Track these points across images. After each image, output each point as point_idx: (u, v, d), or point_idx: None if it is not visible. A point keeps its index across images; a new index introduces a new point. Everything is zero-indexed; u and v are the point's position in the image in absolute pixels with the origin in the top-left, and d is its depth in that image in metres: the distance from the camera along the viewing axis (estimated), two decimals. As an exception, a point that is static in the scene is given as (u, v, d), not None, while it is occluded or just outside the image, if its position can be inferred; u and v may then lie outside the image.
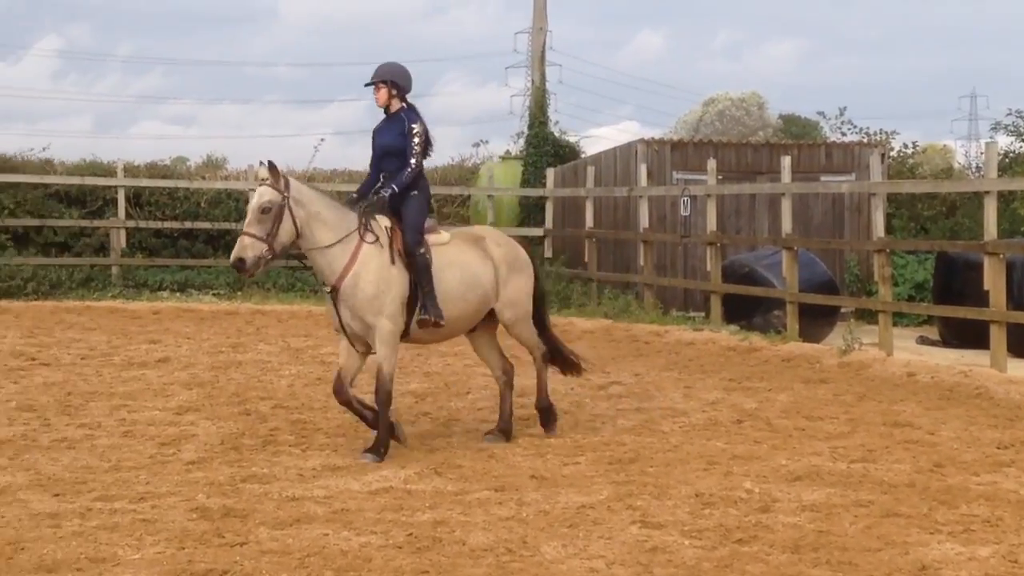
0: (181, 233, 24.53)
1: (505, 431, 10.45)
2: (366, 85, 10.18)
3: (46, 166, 25.44)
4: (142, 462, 9.28)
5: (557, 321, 19.51)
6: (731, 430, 10.80)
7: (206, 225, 24.28)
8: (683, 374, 14.34)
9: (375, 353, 9.76)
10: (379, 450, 9.52)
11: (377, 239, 9.72)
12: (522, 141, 27.76)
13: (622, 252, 23.27)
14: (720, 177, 20.57)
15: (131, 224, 23.71)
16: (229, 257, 24.26)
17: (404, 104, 10.19)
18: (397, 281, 9.67)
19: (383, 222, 9.84)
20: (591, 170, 23.46)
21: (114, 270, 23.14)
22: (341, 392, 9.80)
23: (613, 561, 6.84)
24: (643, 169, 21.92)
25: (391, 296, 9.61)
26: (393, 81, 10.13)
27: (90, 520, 7.54)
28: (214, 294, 22.58)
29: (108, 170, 24.98)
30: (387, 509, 7.92)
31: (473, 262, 10.21)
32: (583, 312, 20.55)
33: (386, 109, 10.20)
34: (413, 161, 9.94)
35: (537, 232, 24.63)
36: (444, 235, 10.25)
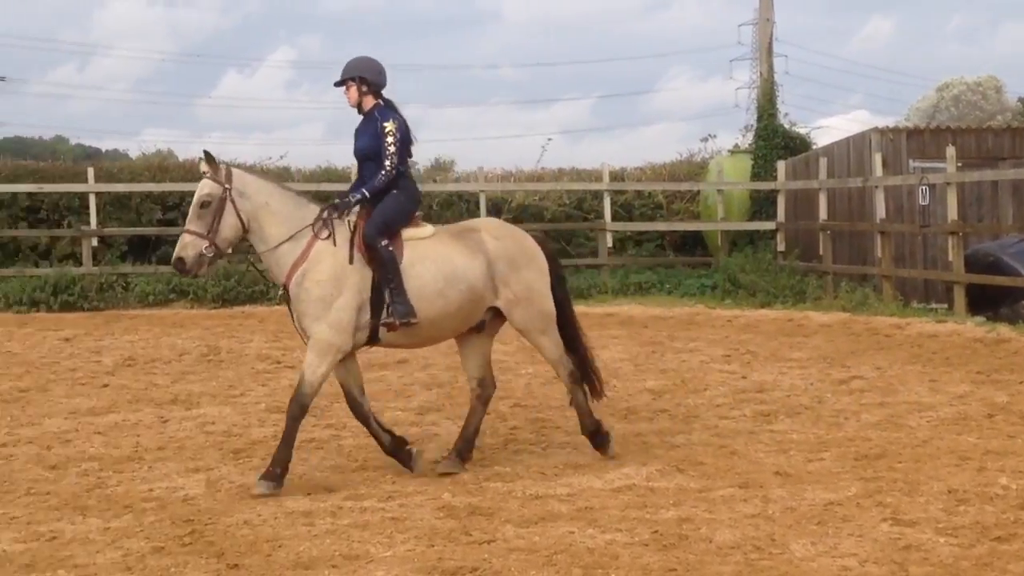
0: (415, 235, 24.95)
1: (462, 453, 9.30)
2: (335, 84, 9.25)
3: (284, 174, 26.24)
4: (388, 461, 9.44)
5: (792, 315, 19.23)
6: (983, 424, 10.42)
7: (439, 228, 24.64)
8: (927, 367, 13.90)
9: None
10: (275, 473, 8.55)
11: (331, 234, 8.80)
12: (751, 134, 27.41)
13: (858, 244, 22.76)
14: (960, 164, 19.93)
15: (366, 229, 24.21)
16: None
17: (379, 101, 9.23)
18: (352, 283, 8.74)
19: (353, 216, 8.97)
20: (823, 161, 23.03)
21: (351, 273, 23.66)
22: (356, 408, 9.28)
23: (866, 559, 6.66)
24: (878, 158, 21.39)
25: (340, 302, 8.68)
26: (361, 77, 9.16)
27: (342, 518, 7.71)
28: (449, 295, 22.88)
29: (343, 176, 25.61)
30: (631, 507, 7.88)
31: (453, 255, 9.05)
32: (819, 306, 20.16)
33: (360, 108, 9.25)
34: (388, 163, 8.93)
35: (769, 226, 24.31)
36: (426, 229, 9.19)
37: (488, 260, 9.13)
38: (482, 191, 24.59)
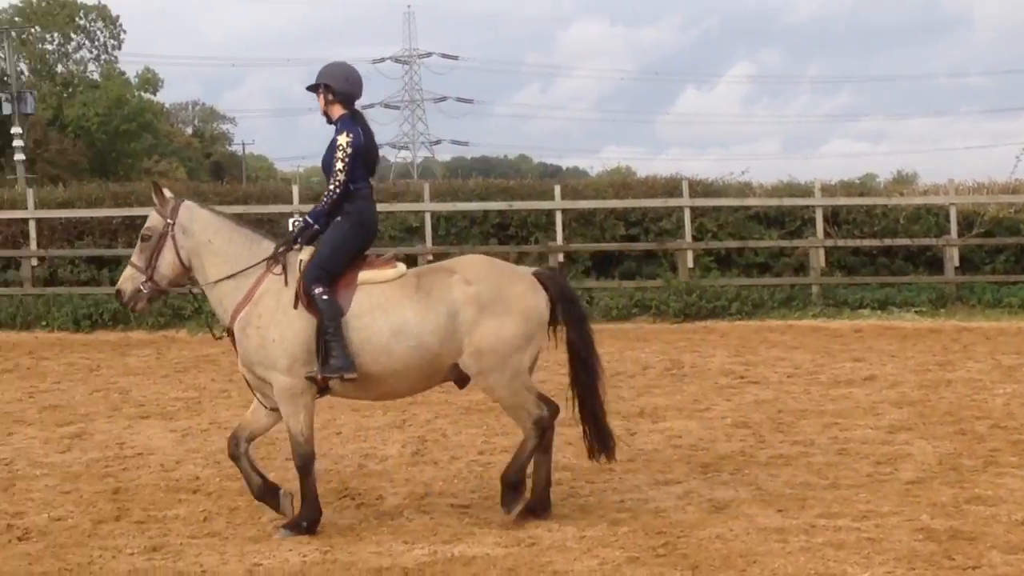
0: (880, 250, 24.33)
1: (517, 487, 8.42)
2: (307, 89, 8.65)
3: (745, 189, 26.15)
4: (860, 480, 9.19)
5: None
6: None
7: (905, 241, 23.90)
8: None
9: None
10: (301, 524, 8.16)
11: (282, 275, 8.21)
12: None
13: None
14: None
15: (829, 243, 23.80)
16: (930, 274, 23.62)
17: (346, 112, 8.50)
18: (296, 328, 8.06)
19: (304, 254, 8.29)
20: None
21: (814, 289, 23.28)
22: (231, 447, 8.50)
23: None
24: None
25: (285, 347, 8.05)
26: (326, 84, 8.48)
27: (815, 536, 7.55)
28: (916, 311, 22.13)
29: (805, 191, 25.26)
30: None
31: (406, 304, 8.13)
32: None
33: (328, 118, 8.58)
34: (332, 182, 8.24)
35: None
36: (392, 270, 8.31)
37: (454, 308, 8.16)
38: (952, 204, 23.66)
